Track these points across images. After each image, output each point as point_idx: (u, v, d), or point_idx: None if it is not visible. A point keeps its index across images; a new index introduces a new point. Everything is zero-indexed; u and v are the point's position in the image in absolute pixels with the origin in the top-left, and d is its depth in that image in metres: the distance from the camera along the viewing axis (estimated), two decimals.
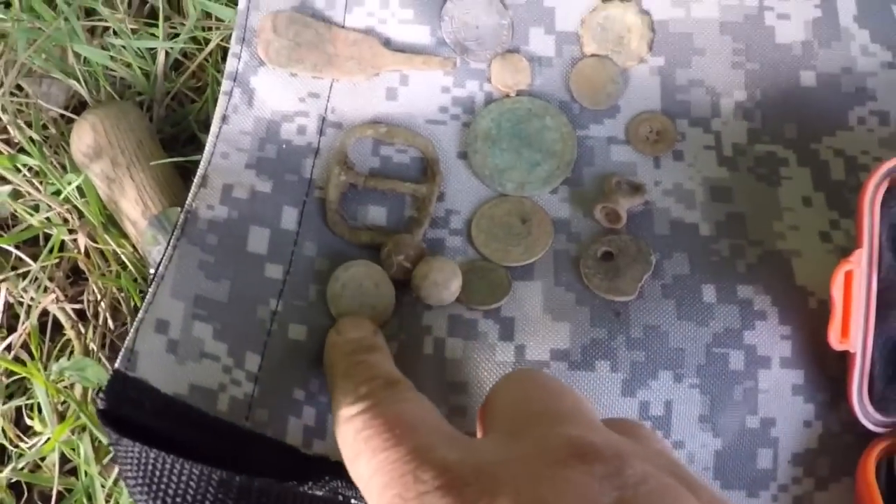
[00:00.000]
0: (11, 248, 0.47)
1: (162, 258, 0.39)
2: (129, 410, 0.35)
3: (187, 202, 0.41)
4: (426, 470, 0.28)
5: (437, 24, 0.46)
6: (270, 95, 0.44)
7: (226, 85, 0.44)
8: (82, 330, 0.47)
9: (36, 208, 0.48)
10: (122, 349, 0.35)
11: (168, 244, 0.39)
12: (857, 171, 0.45)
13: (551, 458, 0.28)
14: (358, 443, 0.31)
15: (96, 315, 0.47)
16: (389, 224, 0.43)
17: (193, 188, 0.41)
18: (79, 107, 0.51)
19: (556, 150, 0.44)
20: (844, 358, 0.39)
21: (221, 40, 0.50)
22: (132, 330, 0.36)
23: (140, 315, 0.37)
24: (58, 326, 0.47)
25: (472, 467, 0.28)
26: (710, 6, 0.47)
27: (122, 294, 0.47)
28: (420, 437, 0.30)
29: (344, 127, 0.44)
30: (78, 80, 0.50)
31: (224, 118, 0.43)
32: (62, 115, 0.50)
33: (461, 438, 0.31)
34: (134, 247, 0.47)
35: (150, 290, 0.38)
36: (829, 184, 0.45)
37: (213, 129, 0.43)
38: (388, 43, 0.45)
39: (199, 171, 0.42)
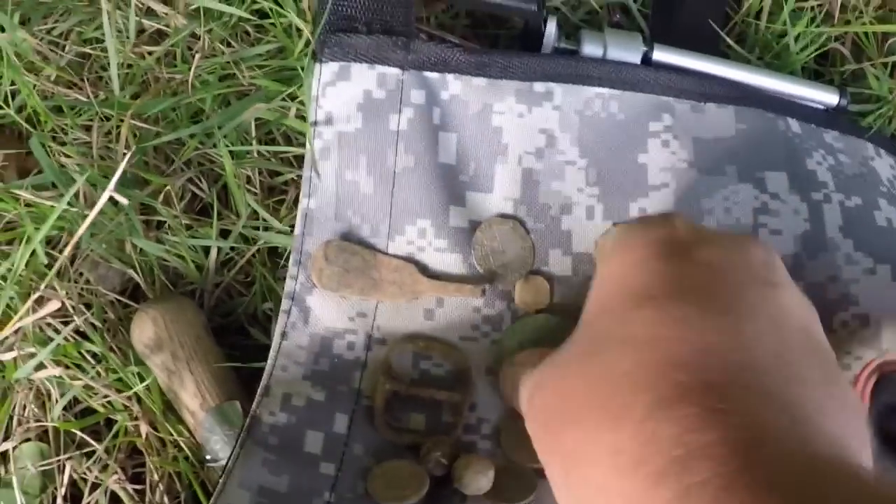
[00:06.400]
0: (76, 430, 0.52)
1: (230, 455, 0.46)
2: None
3: (252, 408, 0.47)
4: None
5: (469, 251, 0.51)
6: (324, 314, 0.50)
7: (284, 304, 0.49)
8: None
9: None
10: None
11: (236, 443, 0.46)
12: None
13: None
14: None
15: (154, 492, 0.52)
16: (428, 427, 0.49)
17: (257, 397, 0.47)
18: (133, 291, 0.56)
19: None
20: None
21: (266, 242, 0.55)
22: None
23: (212, 501, 0.44)
24: (116, 499, 0.52)
25: None
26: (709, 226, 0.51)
27: (178, 474, 0.52)
28: None
29: (388, 343, 0.50)
30: (134, 269, 0.54)
31: (283, 334, 0.49)
32: (118, 300, 0.55)
33: None
34: (190, 431, 0.52)
35: (220, 481, 0.45)
36: None
37: (274, 344, 0.49)
38: (425, 269, 0.51)
39: (263, 382, 0.48)
